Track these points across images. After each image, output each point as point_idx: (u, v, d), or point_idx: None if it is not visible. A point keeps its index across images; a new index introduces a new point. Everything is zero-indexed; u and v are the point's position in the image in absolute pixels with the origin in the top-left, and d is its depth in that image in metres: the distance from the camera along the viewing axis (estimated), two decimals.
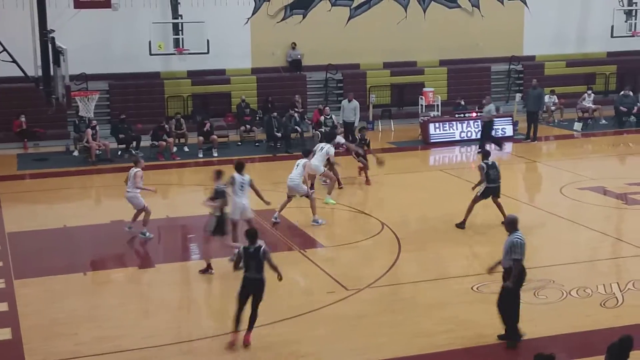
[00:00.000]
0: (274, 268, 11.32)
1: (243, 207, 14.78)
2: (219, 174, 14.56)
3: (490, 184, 16.60)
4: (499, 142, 25.24)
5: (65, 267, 14.63)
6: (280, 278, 11.37)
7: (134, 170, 16.19)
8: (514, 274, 10.92)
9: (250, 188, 14.93)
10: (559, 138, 27.66)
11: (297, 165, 17.26)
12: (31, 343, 11.42)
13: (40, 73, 20.07)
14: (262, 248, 11.15)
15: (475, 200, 16.66)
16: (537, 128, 26.60)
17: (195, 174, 21.29)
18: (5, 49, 20.70)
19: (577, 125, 28.33)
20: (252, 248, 11.17)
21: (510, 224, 11.18)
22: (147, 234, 16.16)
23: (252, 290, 11.15)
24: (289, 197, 17.22)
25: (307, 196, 16.98)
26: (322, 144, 19.24)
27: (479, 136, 26.61)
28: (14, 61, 20.69)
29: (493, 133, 25.38)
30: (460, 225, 16.56)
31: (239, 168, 14.97)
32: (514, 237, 10.98)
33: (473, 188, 16.84)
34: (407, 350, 11.08)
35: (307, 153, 17.99)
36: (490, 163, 16.74)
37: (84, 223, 17.64)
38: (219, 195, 14.12)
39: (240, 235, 13.94)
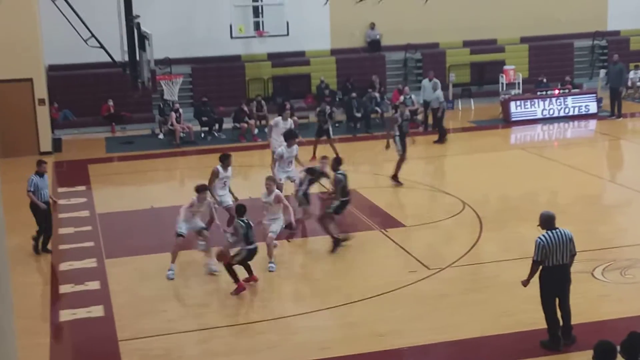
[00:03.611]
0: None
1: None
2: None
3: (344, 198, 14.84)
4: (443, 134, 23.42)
5: (153, 247, 15.03)
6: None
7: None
8: (529, 273, 10.39)
9: None
10: None
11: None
12: (123, 320, 11.83)
13: (126, 58, 20.56)
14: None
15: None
16: (620, 104, 25.97)
17: None
18: (93, 35, 21.27)
19: None
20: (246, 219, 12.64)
21: (544, 222, 10.33)
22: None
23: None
24: None
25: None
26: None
27: (561, 114, 26.20)
28: (102, 47, 21.25)
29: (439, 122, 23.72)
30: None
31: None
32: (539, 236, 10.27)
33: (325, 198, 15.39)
34: (489, 329, 11.07)
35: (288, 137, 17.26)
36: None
37: (170, 204, 18.06)
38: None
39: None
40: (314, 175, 15.63)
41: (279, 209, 14.01)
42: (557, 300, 10.36)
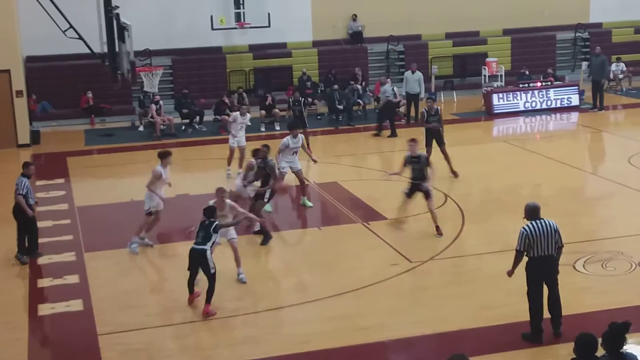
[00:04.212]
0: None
1: None
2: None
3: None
4: (394, 129, 23.09)
5: None
6: None
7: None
8: (513, 263, 10.43)
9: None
10: (627, 107, 27.03)
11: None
12: (102, 314, 11.72)
13: (105, 49, 20.40)
14: (215, 222, 11.74)
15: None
16: (602, 97, 26.02)
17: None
18: (72, 26, 21.08)
19: None
20: (207, 221, 11.77)
21: (528, 213, 10.34)
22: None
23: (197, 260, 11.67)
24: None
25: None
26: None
27: (543, 106, 26.22)
28: (81, 38, 21.06)
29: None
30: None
31: None
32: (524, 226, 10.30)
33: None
34: (473, 322, 11.04)
35: (292, 127, 17.14)
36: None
37: None
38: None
39: None
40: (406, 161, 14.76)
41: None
42: (544, 291, 10.33)
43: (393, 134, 22.95)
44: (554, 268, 10.35)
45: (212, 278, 11.53)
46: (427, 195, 14.63)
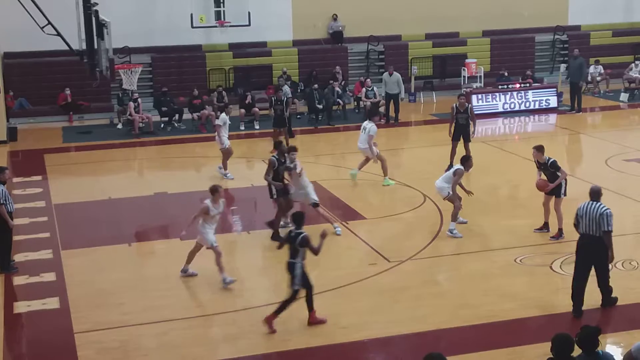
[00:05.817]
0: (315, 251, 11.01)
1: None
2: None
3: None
4: (291, 132, 22.75)
5: (110, 238, 14.86)
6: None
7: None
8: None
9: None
10: (604, 109, 27.24)
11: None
12: (79, 312, 11.65)
13: (84, 46, 20.27)
14: (302, 235, 10.91)
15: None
16: (580, 99, 26.21)
17: (237, 146, 21.45)
18: (50, 23, 20.91)
19: (624, 96, 27.85)
20: (294, 232, 11.05)
21: (589, 194, 11.17)
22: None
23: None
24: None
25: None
26: (365, 123, 18.12)
27: (522, 108, 26.34)
28: (59, 34, 20.91)
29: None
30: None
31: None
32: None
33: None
34: (450, 322, 11.08)
35: (373, 114, 18.39)
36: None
37: (128, 195, 17.87)
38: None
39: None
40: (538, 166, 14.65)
41: None
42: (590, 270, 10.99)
43: (290, 135, 22.62)
44: (599, 251, 10.82)
45: (292, 293, 10.95)
46: (557, 194, 14.57)
